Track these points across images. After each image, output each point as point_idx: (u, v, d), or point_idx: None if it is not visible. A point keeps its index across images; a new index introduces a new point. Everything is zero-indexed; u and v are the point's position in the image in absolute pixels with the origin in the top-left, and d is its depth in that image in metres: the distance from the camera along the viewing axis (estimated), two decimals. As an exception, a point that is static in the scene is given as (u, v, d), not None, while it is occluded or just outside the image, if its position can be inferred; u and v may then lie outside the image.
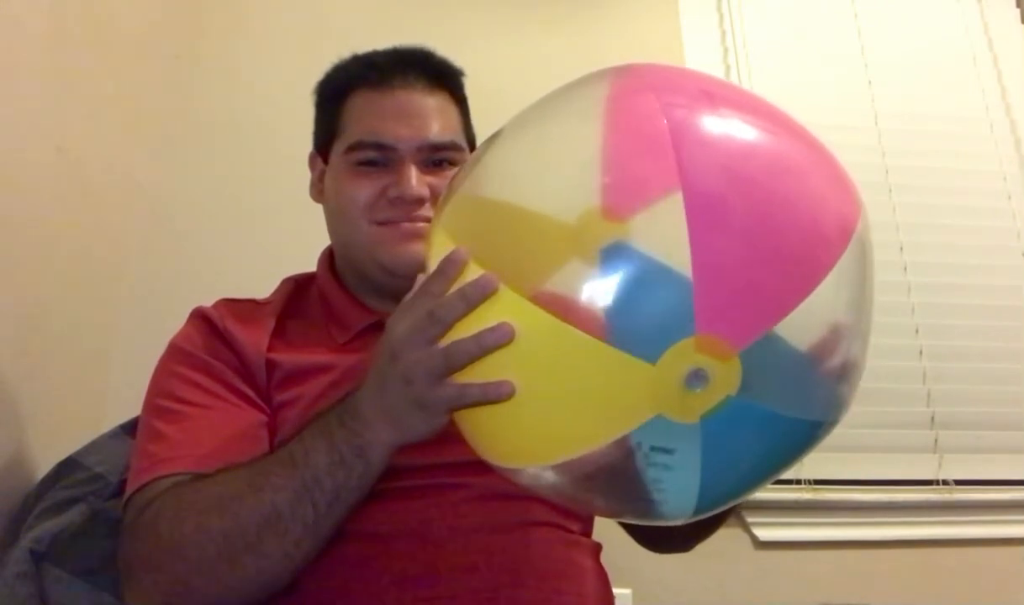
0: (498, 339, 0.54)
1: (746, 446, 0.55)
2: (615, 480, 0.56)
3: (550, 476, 0.58)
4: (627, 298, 0.51)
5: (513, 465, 0.60)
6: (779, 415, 0.55)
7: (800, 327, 0.52)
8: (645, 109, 0.56)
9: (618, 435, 0.53)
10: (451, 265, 0.58)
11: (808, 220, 0.54)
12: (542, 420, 0.56)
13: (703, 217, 0.51)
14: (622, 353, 0.51)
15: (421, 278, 0.62)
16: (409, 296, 0.61)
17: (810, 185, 0.56)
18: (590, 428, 0.54)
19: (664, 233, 0.51)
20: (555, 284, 0.52)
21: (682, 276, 0.50)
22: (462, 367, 0.57)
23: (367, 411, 0.64)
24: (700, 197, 0.51)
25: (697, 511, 0.58)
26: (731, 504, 0.62)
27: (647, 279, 0.51)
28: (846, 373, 0.57)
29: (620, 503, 0.61)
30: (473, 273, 0.56)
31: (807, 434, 0.58)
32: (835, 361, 0.56)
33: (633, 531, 0.92)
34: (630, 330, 0.51)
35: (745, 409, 0.53)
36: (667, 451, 0.54)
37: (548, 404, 0.55)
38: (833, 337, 0.55)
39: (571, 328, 0.51)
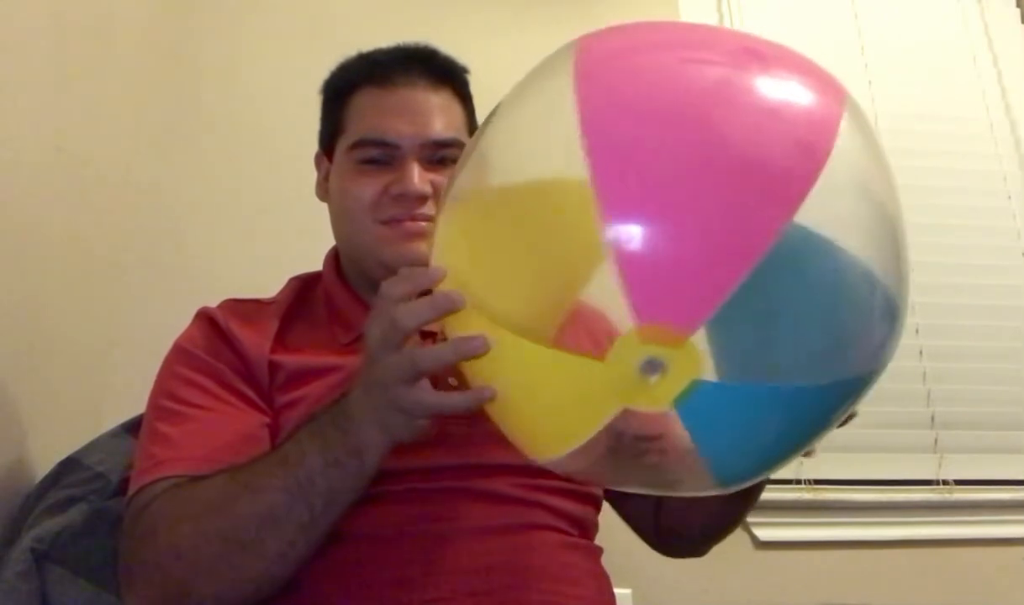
0: (474, 349, 0.54)
1: (749, 422, 0.52)
2: (622, 464, 0.57)
3: (570, 465, 0.58)
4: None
5: (539, 458, 0.60)
6: (778, 388, 0.51)
7: (767, 286, 0.48)
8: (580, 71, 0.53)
9: (596, 429, 0.53)
10: (422, 276, 0.58)
11: (753, 155, 0.48)
12: (528, 421, 0.57)
13: (613, 178, 0.48)
14: (571, 355, 0.51)
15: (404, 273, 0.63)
16: (383, 288, 0.62)
17: (752, 107, 0.50)
18: (570, 425, 0.55)
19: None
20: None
21: (610, 263, 0.47)
22: (431, 372, 0.57)
23: (357, 413, 0.64)
24: (608, 155, 0.48)
25: (726, 485, 0.57)
26: (770, 473, 0.59)
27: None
28: (865, 317, 0.51)
29: (642, 483, 0.62)
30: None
31: (833, 396, 0.53)
32: (842, 310, 0.50)
33: (645, 534, 0.94)
34: (575, 327, 0.50)
35: (725, 391, 0.51)
36: (651, 439, 0.53)
37: (525, 407, 0.57)
38: (837, 280, 0.50)
39: (522, 340, 0.52)
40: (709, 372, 0.50)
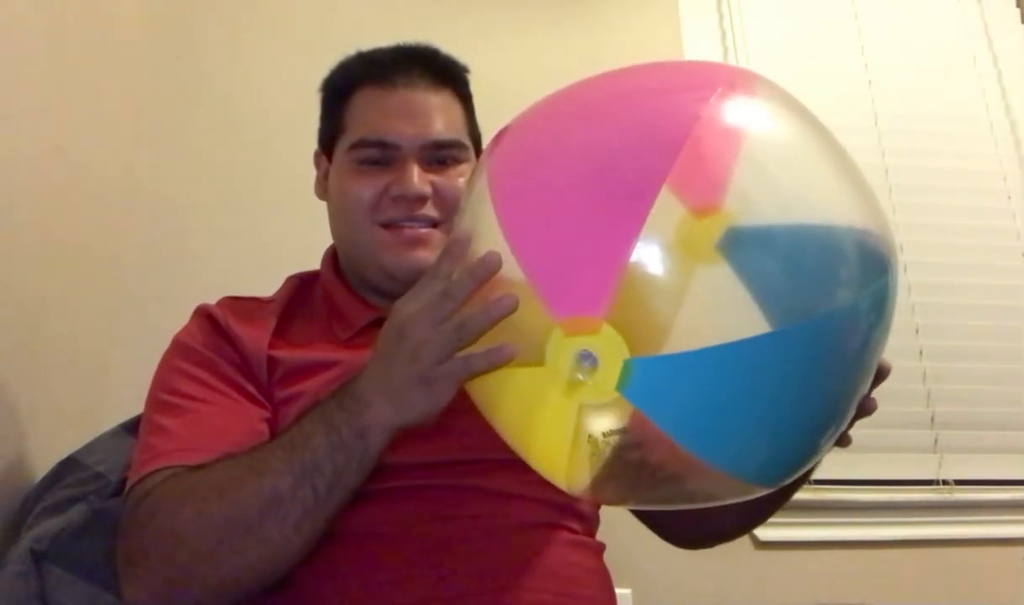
0: (504, 309, 0.56)
1: (704, 393, 0.52)
2: (620, 474, 0.57)
3: (584, 487, 0.59)
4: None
5: (568, 488, 0.60)
6: (706, 351, 0.51)
7: (656, 255, 0.51)
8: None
9: (570, 436, 0.55)
10: (457, 245, 0.60)
11: (610, 152, 0.54)
12: (530, 449, 0.60)
13: (507, 206, 0.57)
14: (517, 369, 0.56)
15: None
16: (434, 265, 0.63)
17: (613, 124, 0.57)
18: (550, 440, 0.57)
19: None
20: None
21: (519, 273, 0.55)
22: (473, 341, 0.58)
23: (367, 392, 0.64)
24: (501, 192, 0.58)
25: (752, 479, 0.56)
26: (799, 461, 0.58)
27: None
28: (782, 260, 0.52)
29: (661, 497, 0.62)
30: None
31: (785, 345, 0.51)
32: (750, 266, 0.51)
33: (658, 527, 0.93)
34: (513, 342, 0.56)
35: (659, 364, 0.51)
36: (619, 432, 0.54)
37: (517, 434, 0.60)
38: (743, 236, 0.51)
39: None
40: (637, 349, 0.51)
